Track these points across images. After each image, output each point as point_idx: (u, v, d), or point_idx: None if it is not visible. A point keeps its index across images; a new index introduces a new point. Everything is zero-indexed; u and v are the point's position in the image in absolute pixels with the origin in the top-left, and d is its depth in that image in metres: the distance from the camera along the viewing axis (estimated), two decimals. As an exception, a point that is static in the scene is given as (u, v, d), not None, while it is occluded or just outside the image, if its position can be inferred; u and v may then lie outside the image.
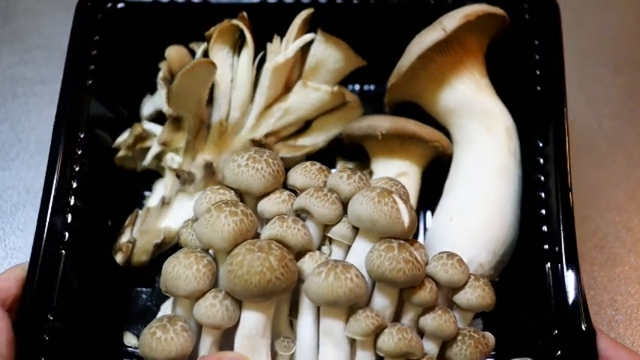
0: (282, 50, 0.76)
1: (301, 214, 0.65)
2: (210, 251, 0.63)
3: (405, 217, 0.60)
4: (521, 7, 0.77)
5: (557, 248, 0.64)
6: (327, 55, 0.78)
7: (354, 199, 0.61)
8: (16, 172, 0.89)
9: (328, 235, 0.64)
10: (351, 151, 0.82)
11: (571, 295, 0.61)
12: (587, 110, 0.96)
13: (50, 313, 0.62)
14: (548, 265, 0.64)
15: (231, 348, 0.60)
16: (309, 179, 0.66)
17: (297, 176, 0.66)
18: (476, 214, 0.70)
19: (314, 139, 0.80)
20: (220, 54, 0.77)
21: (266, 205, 0.64)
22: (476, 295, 0.62)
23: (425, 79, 0.76)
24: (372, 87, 0.87)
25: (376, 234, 0.60)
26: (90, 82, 0.74)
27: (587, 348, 0.59)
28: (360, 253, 0.61)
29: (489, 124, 0.74)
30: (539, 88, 0.73)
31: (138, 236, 0.73)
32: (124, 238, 0.74)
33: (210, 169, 0.74)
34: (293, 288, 0.60)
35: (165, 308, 0.68)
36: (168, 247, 0.74)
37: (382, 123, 0.74)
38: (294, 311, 0.63)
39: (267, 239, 0.60)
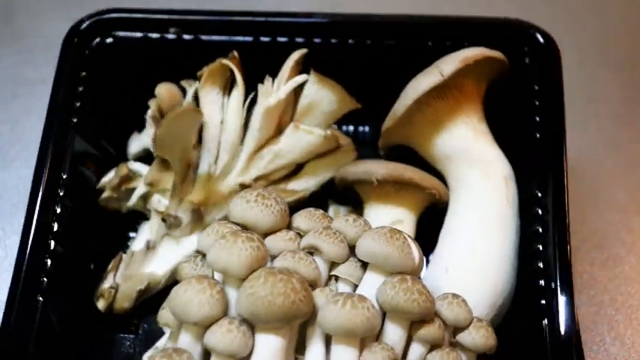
0: (273, 92, 0.74)
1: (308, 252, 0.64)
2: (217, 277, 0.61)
3: (416, 254, 0.61)
4: (521, 51, 0.74)
5: (554, 303, 0.63)
6: (321, 97, 0.75)
7: (365, 236, 0.62)
8: (16, 172, 0.89)
9: (335, 274, 0.64)
10: (344, 195, 0.79)
11: (568, 353, 0.61)
12: (587, 110, 0.96)
13: None
14: (545, 321, 0.63)
15: None
16: (314, 223, 0.66)
17: (302, 220, 0.66)
18: (472, 268, 0.68)
19: (305, 184, 0.77)
20: (210, 95, 0.75)
21: (274, 242, 0.63)
22: (480, 334, 0.61)
23: (421, 124, 0.73)
24: (366, 128, 0.85)
25: (387, 269, 0.61)
26: (75, 118, 0.72)
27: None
28: (369, 288, 0.61)
29: (487, 172, 0.71)
30: (538, 135, 0.70)
31: (121, 282, 0.71)
32: (107, 284, 0.71)
33: (197, 214, 0.72)
34: (308, 317, 0.58)
35: (148, 356, 0.64)
36: (152, 294, 0.72)
37: (378, 169, 0.72)
38: (299, 349, 0.61)
39: None
